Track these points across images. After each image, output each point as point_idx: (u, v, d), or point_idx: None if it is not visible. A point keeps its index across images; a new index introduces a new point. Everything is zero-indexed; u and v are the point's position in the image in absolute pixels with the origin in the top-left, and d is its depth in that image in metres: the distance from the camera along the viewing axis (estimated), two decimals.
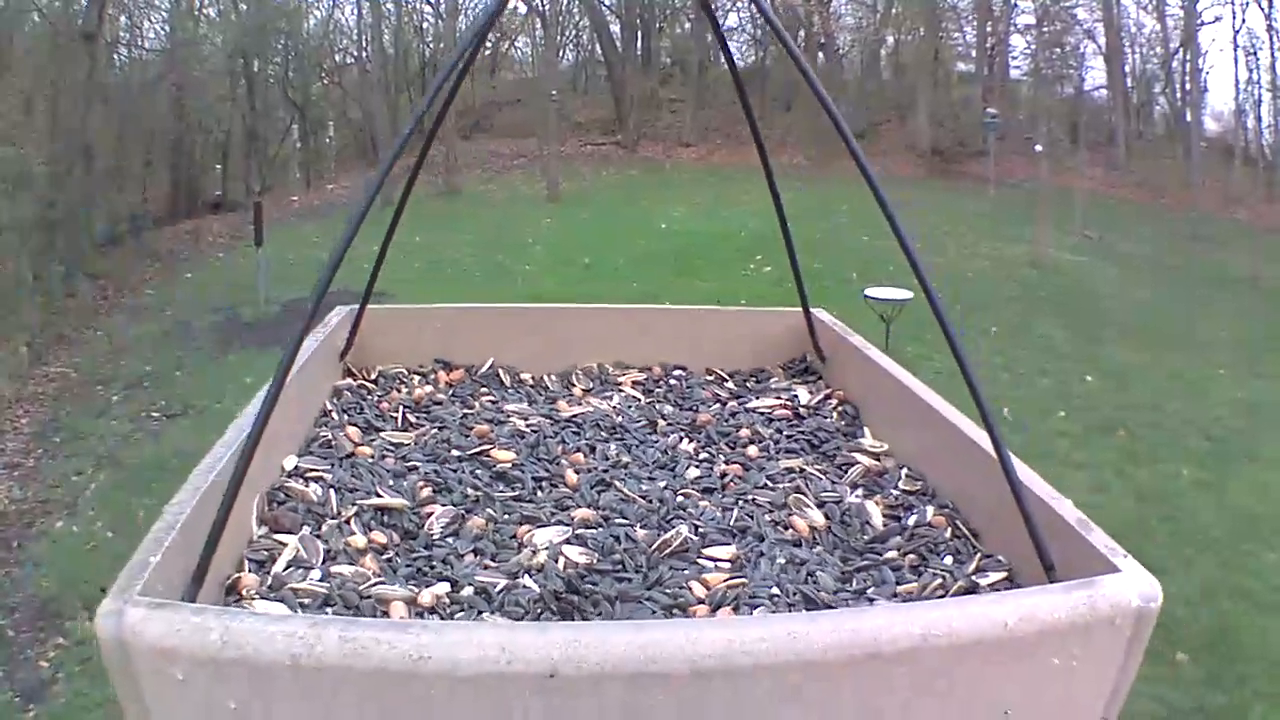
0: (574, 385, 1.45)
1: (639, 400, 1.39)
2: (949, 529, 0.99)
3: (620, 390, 1.41)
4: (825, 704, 0.64)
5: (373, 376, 1.50)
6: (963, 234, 12.87)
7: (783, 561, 0.94)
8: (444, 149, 17.66)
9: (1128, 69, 21.46)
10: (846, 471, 1.16)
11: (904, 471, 1.13)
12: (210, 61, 17.11)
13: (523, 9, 22.26)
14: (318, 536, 1.02)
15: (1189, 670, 3.87)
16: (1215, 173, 19.06)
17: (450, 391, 1.45)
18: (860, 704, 0.65)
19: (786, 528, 1.01)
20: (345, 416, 1.35)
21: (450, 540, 1.02)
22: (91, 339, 9.49)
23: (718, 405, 1.35)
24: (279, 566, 0.95)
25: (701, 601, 0.87)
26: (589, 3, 21.77)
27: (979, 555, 0.93)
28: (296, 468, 1.15)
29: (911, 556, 0.95)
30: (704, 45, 23.70)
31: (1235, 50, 22.22)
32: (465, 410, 1.37)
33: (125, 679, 0.66)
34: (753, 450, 1.20)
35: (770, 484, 1.11)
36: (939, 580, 0.89)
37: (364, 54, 20.82)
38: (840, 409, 1.33)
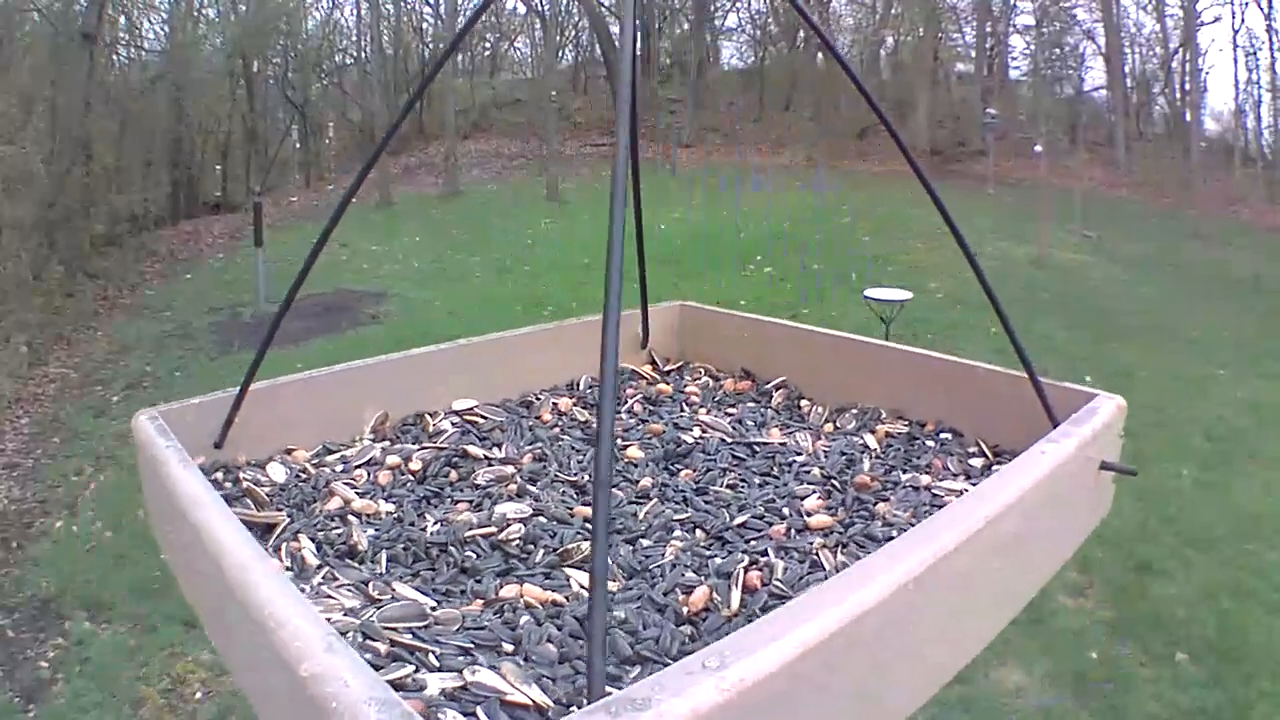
0: (831, 421, 1.38)
1: (859, 449, 1.26)
2: None
3: (863, 436, 1.30)
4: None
5: (667, 369, 1.61)
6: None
7: (620, 615, 0.84)
8: (444, 149, 17.68)
9: (1127, 69, 21.46)
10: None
11: None
12: (210, 62, 17.11)
13: (522, 9, 22.29)
14: (383, 450, 1.21)
15: (1190, 671, 3.86)
16: (1215, 173, 19.07)
17: (713, 397, 1.48)
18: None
19: (688, 592, 0.88)
20: (588, 393, 1.48)
21: (470, 489, 1.13)
22: (91, 339, 9.49)
23: (911, 475, 1.16)
24: (331, 457, 1.19)
25: (480, 597, 0.89)
26: (588, 3, 21.76)
27: None
28: (472, 409, 1.34)
29: None
30: (702, 46, 23.69)
31: (1235, 50, 22.26)
32: (678, 413, 1.40)
33: (137, 456, 1.04)
34: (821, 519, 1.05)
35: (768, 555, 0.96)
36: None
37: (364, 54, 20.82)
38: None
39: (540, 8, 22.00)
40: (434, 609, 0.83)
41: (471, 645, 0.77)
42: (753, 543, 1.00)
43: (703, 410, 1.41)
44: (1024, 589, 0.96)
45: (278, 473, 1.13)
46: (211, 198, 17.57)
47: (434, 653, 0.74)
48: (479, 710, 0.66)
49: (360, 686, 0.55)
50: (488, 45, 24.92)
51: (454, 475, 1.17)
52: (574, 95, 23.53)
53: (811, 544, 0.98)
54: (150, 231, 13.92)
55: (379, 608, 0.81)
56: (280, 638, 0.60)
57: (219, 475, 1.12)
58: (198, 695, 3.87)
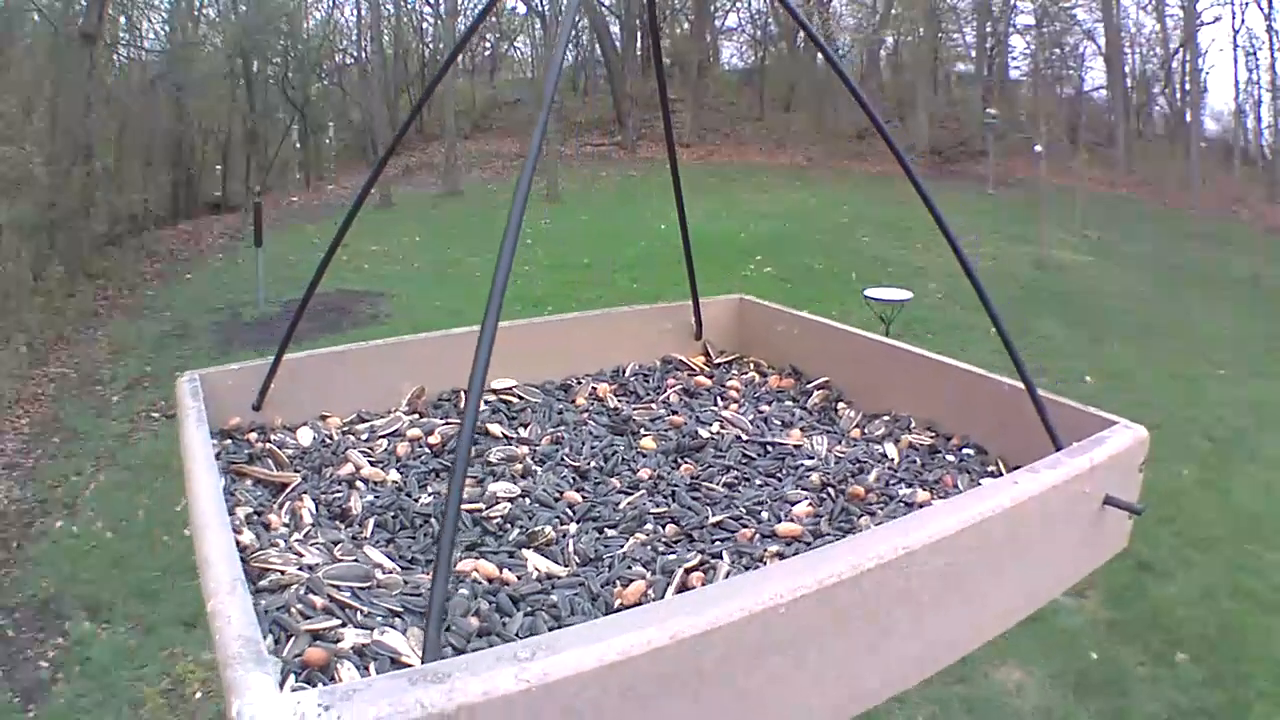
0: (861, 427, 1.34)
1: (876, 458, 1.23)
2: None
3: (885, 445, 1.27)
4: None
5: (718, 362, 1.62)
6: (963, 234, 12.81)
7: (552, 600, 0.86)
8: (444, 149, 17.67)
9: (1127, 69, 21.45)
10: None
11: None
12: (210, 62, 17.10)
13: (522, 9, 22.28)
14: (410, 422, 1.26)
15: (1190, 671, 3.86)
16: (1215, 173, 19.07)
17: (753, 393, 1.48)
18: None
19: (626, 585, 0.89)
20: (630, 380, 1.48)
21: (481, 466, 1.16)
22: (91, 339, 9.48)
23: (912, 490, 1.13)
24: (361, 425, 1.25)
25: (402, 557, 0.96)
26: (589, 3, 21.76)
27: None
28: (510, 389, 1.38)
29: None
30: (703, 46, 23.68)
31: (1235, 50, 22.26)
32: (709, 407, 1.40)
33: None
34: (790, 527, 1.02)
35: (722, 558, 0.93)
36: None
37: (364, 54, 20.82)
38: None
39: (540, 8, 22.01)
40: (387, 573, 0.87)
41: (402, 609, 0.81)
42: (716, 543, 0.98)
43: (733, 406, 1.40)
44: (977, 626, 0.87)
45: (306, 437, 1.20)
46: (211, 198, 17.56)
47: (362, 611, 0.79)
48: (372, 667, 0.71)
49: (238, 625, 0.62)
50: (488, 45, 24.93)
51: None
52: (574, 95, 23.52)
53: (766, 550, 0.94)
54: (150, 231, 13.91)
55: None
56: (206, 575, 0.70)
57: (253, 435, 1.18)
58: (198, 695, 3.87)
